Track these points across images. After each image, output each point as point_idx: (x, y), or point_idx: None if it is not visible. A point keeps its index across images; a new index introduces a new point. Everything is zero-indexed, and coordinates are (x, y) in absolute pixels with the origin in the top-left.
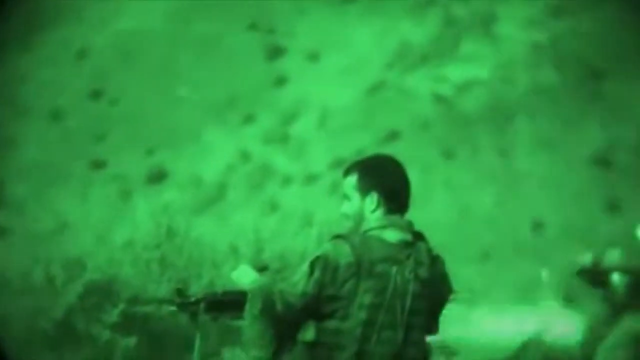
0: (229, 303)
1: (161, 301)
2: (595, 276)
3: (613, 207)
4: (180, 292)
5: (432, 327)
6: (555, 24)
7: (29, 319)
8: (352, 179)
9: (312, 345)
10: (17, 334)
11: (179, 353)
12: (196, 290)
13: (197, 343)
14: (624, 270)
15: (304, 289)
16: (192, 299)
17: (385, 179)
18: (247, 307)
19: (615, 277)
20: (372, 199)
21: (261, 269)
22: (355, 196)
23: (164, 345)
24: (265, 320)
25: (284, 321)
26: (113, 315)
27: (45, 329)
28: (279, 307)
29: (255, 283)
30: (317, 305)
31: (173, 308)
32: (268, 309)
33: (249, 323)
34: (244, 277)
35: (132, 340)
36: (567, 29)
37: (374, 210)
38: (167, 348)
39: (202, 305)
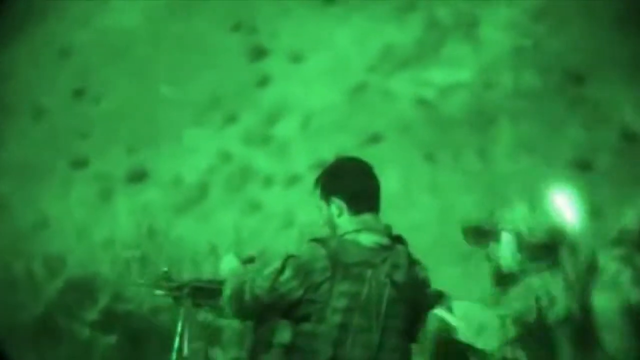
0: (211, 290)
1: (147, 284)
2: (480, 234)
3: (595, 210)
4: (166, 276)
5: (412, 333)
6: (538, 27)
7: (9, 314)
8: (317, 190)
9: (287, 348)
10: None
11: (159, 352)
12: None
13: (179, 328)
14: (512, 232)
15: (272, 285)
16: (177, 284)
17: (345, 182)
18: (223, 293)
19: (505, 237)
20: (336, 205)
21: (247, 260)
22: (323, 206)
23: (145, 344)
24: (236, 309)
25: (253, 313)
26: (93, 312)
27: (26, 324)
28: (247, 296)
29: (231, 271)
30: (287, 305)
31: (159, 291)
32: (237, 297)
33: (225, 309)
34: (225, 265)
35: (112, 339)
36: (549, 32)
37: (339, 215)
38: (148, 347)
39: (186, 290)
